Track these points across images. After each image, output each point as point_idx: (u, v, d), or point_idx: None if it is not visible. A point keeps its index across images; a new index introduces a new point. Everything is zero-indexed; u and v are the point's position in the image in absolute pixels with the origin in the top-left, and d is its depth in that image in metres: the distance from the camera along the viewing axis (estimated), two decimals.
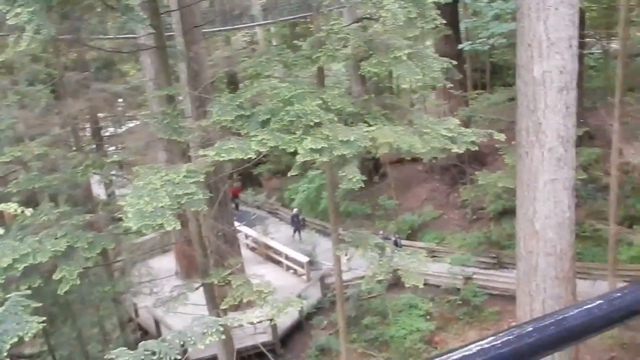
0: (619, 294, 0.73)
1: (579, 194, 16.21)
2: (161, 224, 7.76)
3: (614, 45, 22.20)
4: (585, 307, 0.70)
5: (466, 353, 0.62)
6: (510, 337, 0.64)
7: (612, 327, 0.70)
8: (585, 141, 19.24)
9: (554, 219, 8.62)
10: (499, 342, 0.64)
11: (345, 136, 8.69)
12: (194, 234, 11.31)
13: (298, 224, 24.23)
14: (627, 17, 14.51)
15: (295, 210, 24.57)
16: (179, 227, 8.01)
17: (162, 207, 7.85)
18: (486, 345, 0.61)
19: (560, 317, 0.69)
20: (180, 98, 12.97)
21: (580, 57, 15.98)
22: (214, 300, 11.40)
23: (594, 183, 19.46)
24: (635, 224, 18.02)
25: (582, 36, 18.55)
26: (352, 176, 8.90)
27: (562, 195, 8.60)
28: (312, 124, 8.99)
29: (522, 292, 9.37)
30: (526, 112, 8.54)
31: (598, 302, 0.71)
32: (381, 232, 21.34)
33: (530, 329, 0.67)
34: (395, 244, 20.68)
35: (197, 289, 11.45)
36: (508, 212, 18.64)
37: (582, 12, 18.03)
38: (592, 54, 26.74)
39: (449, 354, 0.61)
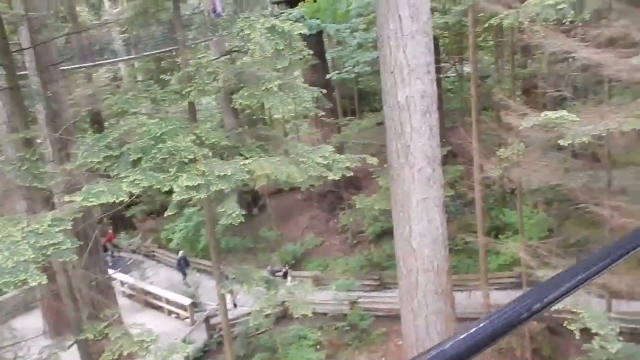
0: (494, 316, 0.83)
1: (449, 210, 17.22)
2: (24, 279, 7.06)
3: (467, 68, 24.14)
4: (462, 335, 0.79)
5: None
6: None
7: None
8: (450, 160, 20.55)
9: (428, 237, 9.01)
10: None
11: (221, 171, 8.52)
12: (63, 287, 10.43)
13: (185, 268, 23.20)
14: (474, 42, 15.84)
15: (181, 253, 23.49)
16: (45, 281, 7.33)
17: (24, 261, 7.15)
18: None
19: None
20: (40, 141, 12.05)
21: (439, 81, 17.16)
22: (90, 357, 10.54)
23: (461, 198, 20.78)
24: (501, 234, 19.43)
25: (438, 61, 19.97)
26: (232, 211, 8.73)
27: (433, 212, 9.02)
28: (186, 160, 8.73)
29: (405, 310, 9.64)
30: (394, 135, 8.90)
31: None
32: (269, 266, 21.15)
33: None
34: (285, 275, 20.56)
35: (69, 347, 10.52)
36: (386, 233, 19.28)
37: (436, 40, 19.45)
38: (449, 77, 28.86)
39: None
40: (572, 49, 11.68)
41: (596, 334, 9.97)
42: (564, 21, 11.08)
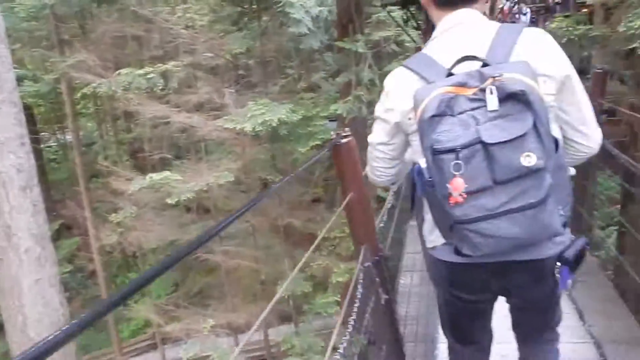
0: None
1: (70, 287, 16.22)
2: None
3: (69, 137, 23.25)
4: None
5: None
6: None
7: None
8: (64, 233, 19.42)
9: (47, 321, 8.33)
10: None
11: None
12: None
13: None
14: (73, 110, 15.53)
15: None
16: None
17: None
18: None
19: None
20: None
21: (39, 153, 16.11)
22: None
23: (82, 272, 19.75)
24: (130, 300, 19.15)
25: (35, 132, 18.81)
26: None
27: (50, 294, 8.41)
28: None
29: None
30: None
31: None
32: None
33: None
34: None
35: None
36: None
37: (30, 109, 18.34)
38: (50, 147, 27.20)
39: None
40: (167, 115, 12.63)
41: None
42: (155, 89, 11.92)
